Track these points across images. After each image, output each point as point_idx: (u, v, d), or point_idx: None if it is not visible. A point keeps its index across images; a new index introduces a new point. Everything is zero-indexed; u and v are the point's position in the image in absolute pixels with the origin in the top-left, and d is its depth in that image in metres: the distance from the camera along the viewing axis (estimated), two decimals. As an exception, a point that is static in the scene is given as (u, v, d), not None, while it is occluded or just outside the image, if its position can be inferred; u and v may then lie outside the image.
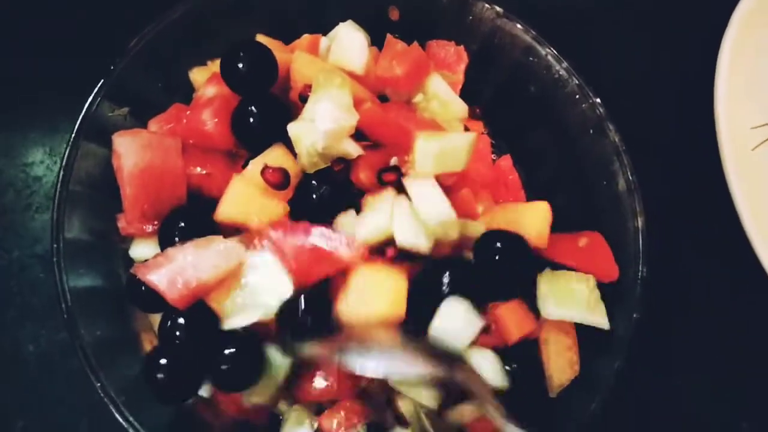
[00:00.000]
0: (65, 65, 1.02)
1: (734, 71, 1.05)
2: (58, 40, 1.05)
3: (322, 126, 0.76)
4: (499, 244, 0.79)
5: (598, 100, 0.88)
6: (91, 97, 0.79)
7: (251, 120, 0.79)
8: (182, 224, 0.76)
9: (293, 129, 0.78)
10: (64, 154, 0.77)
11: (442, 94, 0.89)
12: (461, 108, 0.91)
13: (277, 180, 0.77)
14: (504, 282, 0.81)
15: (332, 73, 0.79)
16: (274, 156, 0.79)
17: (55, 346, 0.93)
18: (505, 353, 0.80)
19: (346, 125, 0.77)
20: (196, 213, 0.78)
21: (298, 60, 0.83)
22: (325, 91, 0.78)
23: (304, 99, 0.80)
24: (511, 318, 0.79)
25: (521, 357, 0.80)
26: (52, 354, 0.92)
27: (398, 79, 0.84)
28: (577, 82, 0.89)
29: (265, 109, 0.79)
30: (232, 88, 0.81)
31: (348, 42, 0.86)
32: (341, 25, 0.89)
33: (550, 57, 0.90)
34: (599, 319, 0.81)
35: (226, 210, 0.77)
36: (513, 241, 0.80)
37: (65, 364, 0.92)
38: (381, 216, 0.78)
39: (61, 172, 0.76)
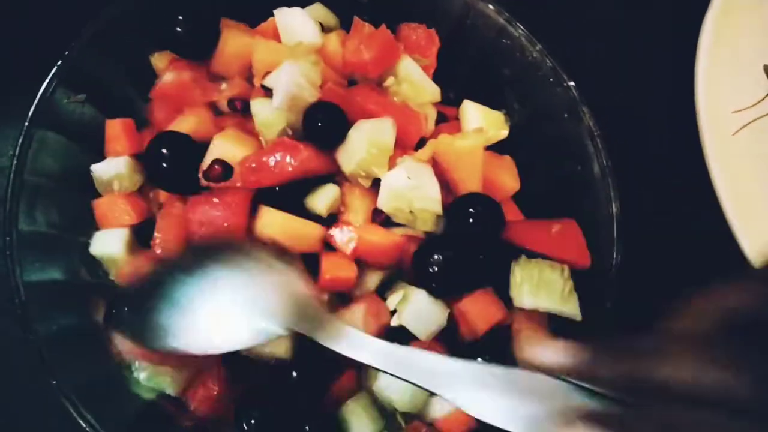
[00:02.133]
0: (26, 51, 0.98)
1: (715, 53, 1.03)
2: (11, 20, 1.01)
3: (284, 88, 0.75)
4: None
5: (572, 83, 0.86)
6: (44, 84, 0.76)
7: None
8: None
9: (259, 116, 0.77)
10: (17, 142, 0.74)
11: (413, 78, 0.87)
12: (433, 91, 0.89)
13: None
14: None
15: (306, 50, 0.79)
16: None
17: (13, 341, 0.89)
18: (477, 344, 0.79)
19: (307, 96, 0.76)
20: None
21: (258, 48, 0.81)
22: (294, 62, 0.77)
23: (266, 88, 0.78)
24: (476, 310, 0.78)
25: (493, 347, 0.79)
26: (11, 349, 0.89)
27: (366, 63, 0.82)
28: (550, 64, 0.87)
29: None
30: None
31: (297, 25, 0.84)
32: (284, 11, 0.86)
33: (523, 39, 0.88)
34: (572, 310, 0.79)
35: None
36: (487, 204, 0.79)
37: (28, 359, 0.89)
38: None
39: (14, 161, 0.73)
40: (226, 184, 0.75)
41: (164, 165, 0.77)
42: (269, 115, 0.78)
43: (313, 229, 0.77)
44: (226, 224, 0.75)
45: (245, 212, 0.76)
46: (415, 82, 0.85)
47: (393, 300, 0.77)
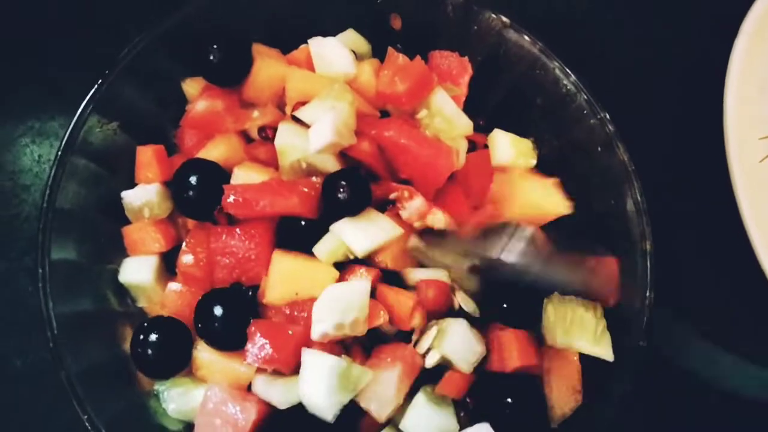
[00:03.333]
0: (56, 72, 0.98)
1: (744, 81, 1.02)
2: (52, 43, 1.01)
3: (323, 137, 0.74)
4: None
5: (607, 115, 0.85)
6: (78, 112, 0.75)
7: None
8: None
9: (280, 140, 0.77)
10: (51, 170, 0.73)
11: (446, 111, 0.86)
12: (466, 124, 0.88)
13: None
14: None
15: (343, 88, 0.78)
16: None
17: (44, 361, 0.90)
18: (505, 382, 0.78)
19: (343, 143, 0.75)
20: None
21: (293, 77, 0.80)
22: (332, 103, 0.76)
23: (296, 119, 0.77)
24: (515, 344, 0.77)
25: (522, 387, 0.78)
26: (38, 368, 0.90)
27: (400, 96, 0.81)
28: (585, 96, 0.85)
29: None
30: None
31: (332, 55, 0.84)
32: (319, 40, 0.85)
33: (557, 70, 0.87)
34: (604, 350, 0.78)
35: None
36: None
37: (52, 379, 0.88)
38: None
39: (47, 191, 0.73)
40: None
41: (190, 192, 0.77)
42: (288, 143, 0.77)
43: (327, 272, 0.76)
44: (247, 254, 0.75)
45: (267, 243, 0.76)
46: (447, 116, 0.84)
47: (426, 339, 0.76)
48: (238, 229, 0.76)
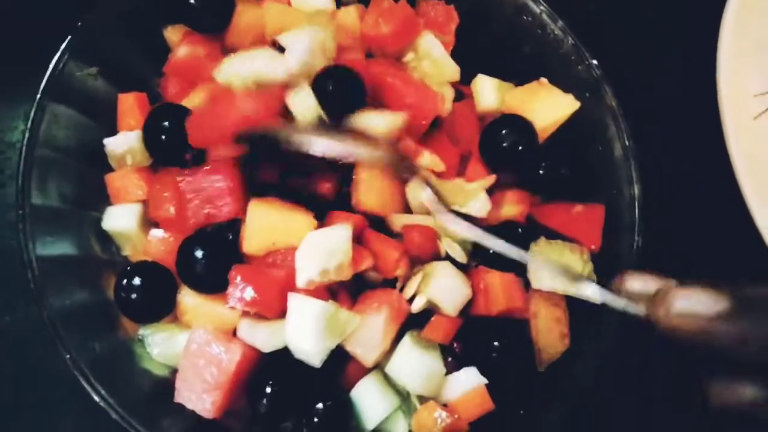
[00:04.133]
0: (40, 25, 0.97)
1: (738, 35, 1.00)
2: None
3: (296, 55, 0.74)
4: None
5: (595, 61, 0.84)
6: (56, 56, 0.74)
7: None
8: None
9: (222, 75, 0.77)
10: (30, 114, 0.73)
11: (434, 55, 0.85)
12: (453, 69, 0.87)
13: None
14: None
15: (326, 20, 0.78)
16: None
17: (31, 315, 0.89)
18: (492, 327, 0.78)
19: (319, 65, 0.75)
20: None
21: (270, 10, 0.80)
22: (314, 30, 0.76)
23: (277, 44, 0.77)
24: (500, 287, 0.76)
25: (509, 331, 0.78)
26: (28, 323, 0.89)
27: (385, 37, 0.80)
28: (572, 42, 0.85)
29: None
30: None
31: None
32: None
33: (544, 15, 0.86)
34: (591, 291, 0.78)
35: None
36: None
37: (41, 334, 0.88)
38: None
39: (26, 135, 0.72)
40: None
41: (161, 137, 0.76)
42: (229, 73, 0.76)
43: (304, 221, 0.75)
44: (217, 187, 0.74)
45: (235, 175, 0.75)
46: (436, 59, 0.83)
47: (412, 284, 0.76)
48: (207, 167, 0.76)
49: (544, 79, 0.87)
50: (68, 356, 0.66)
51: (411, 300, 0.77)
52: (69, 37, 0.75)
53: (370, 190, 0.78)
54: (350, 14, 0.83)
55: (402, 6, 0.83)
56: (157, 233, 0.78)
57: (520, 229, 0.83)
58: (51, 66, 0.74)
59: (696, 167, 1.03)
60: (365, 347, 0.73)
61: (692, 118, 1.03)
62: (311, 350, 0.69)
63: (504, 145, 0.82)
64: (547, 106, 0.85)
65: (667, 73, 1.08)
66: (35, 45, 0.96)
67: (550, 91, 0.85)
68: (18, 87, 0.98)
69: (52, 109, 0.75)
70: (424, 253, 0.79)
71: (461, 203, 0.80)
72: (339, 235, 0.72)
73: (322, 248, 0.72)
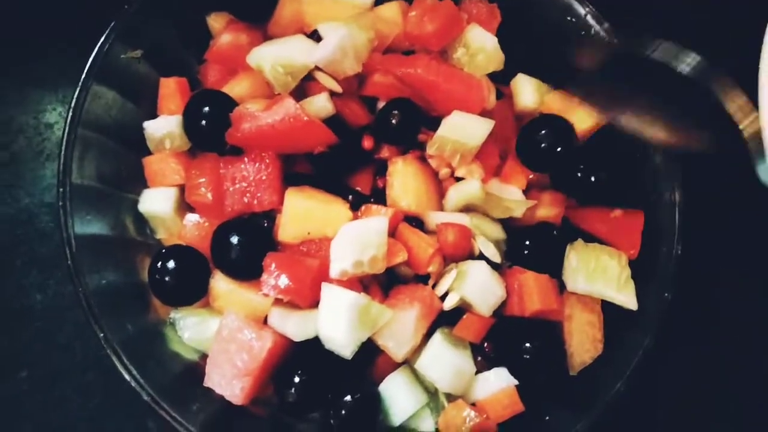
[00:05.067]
0: (81, 7, 0.98)
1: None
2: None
3: (324, 49, 0.75)
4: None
5: (642, 63, 0.82)
6: (103, 37, 0.75)
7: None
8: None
9: (253, 58, 0.77)
10: (74, 94, 0.73)
11: (488, 47, 0.83)
12: (501, 59, 0.85)
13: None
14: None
15: (368, 22, 0.78)
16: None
17: (63, 296, 0.90)
18: (524, 327, 0.76)
19: (347, 66, 0.76)
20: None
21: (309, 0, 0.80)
22: (351, 28, 0.75)
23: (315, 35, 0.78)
24: (535, 287, 0.75)
25: (541, 333, 0.76)
26: (59, 304, 0.90)
27: (429, 36, 0.79)
28: (617, 42, 0.83)
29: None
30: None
31: None
32: None
33: (589, 17, 0.84)
34: (628, 298, 0.76)
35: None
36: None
37: (72, 315, 0.89)
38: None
39: (70, 113, 0.73)
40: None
41: (201, 122, 0.76)
42: (259, 56, 0.77)
43: (340, 211, 0.75)
44: (258, 177, 0.75)
45: (276, 166, 0.75)
46: (489, 51, 0.82)
47: (445, 282, 0.75)
48: (247, 157, 0.76)
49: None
50: (102, 335, 0.66)
51: (443, 297, 0.76)
52: (115, 20, 0.76)
53: (406, 188, 0.77)
54: (392, 10, 0.82)
55: (446, 3, 0.82)
56: (192, 218, 0.78)
57: (555, 231, 0.82)
58: (97, 47, 0.75)
59: (740, 172, 1.00)
60: (396, 342, 0.72)
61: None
62: (343, 341, 0.68)
63: (542, 146, 0.81)
64: (585, 112, 0.83)
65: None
66: (72, 29, 0.98)
67: None
68: (56, 69, 0.99)
69: (95, 90, 0.75)
70: (459, 251, 0.78)
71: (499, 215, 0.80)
72: (375, 227, 0.72)
73: (358, 240, 0.71)
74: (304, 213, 0.74)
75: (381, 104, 0.80)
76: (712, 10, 1.04)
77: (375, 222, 0.73)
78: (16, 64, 0.99)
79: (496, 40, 0.83)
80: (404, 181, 0.78)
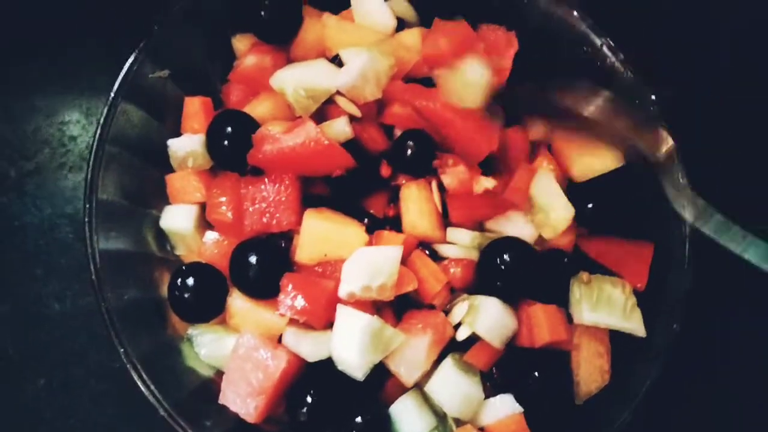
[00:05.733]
0: (107, 25, 1.01)
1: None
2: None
3: (347, 74, 0.76)
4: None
5: (653, 96, 0.84)
6: (132, 56, 0.77)
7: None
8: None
9: (276, 81, 0.79)
10: (102, 111, 0.75)
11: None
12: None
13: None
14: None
15: (389, 48, 0.80)
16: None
17: (80, 307, 0.92)
18: (532, 355, 0.78)
19: (368, 92, 0.77)
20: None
21: (330, 24, 0.82)
22: (373, 54, 0.77)
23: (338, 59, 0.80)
24: (544, 319, 0.76)
25: (549, 361, 0.77)
26: (76, 314, 0.92)
27: (443, 53, 0.80)
28: (632, 76, 0.85)
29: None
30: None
31: (372, 10, 0.85)
32: None
33: (605, 48, 0.86)
34: (635, 326, 0.78)
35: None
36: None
37: (88, 325, 0.91)
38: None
39: (98, 131, 0.75)
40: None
41: (223, 142, 0.78)
42: (282, 79, 0.79)
43: (356, 235, 0.76)
44: (277, 198, 0.76)
45: (296, 188, 0.77)
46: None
47: (458, 312, 0.76)
48: (267, 178, 0.78)
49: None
50: (122, 350, 0.68)
51: (456, 326, 0.77)
52: (145, 39, 0.78)
53: (422, 214, 0.79)
54: (413, 36, 0.84)
55: (462, 24, 0.83)
56: (211, 236, 0.80)
57: (566, 259, 0.83)
58: (126, 66, 0.77)
59: (752, 206, 1.01)
60: (407, 368, 0.73)
61: (751, 156, 1.02)
62: (355, 363, 0.70)
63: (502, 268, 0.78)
64: (592, 157, 0.85)
65: (727, 109, 1.06)
66: (101, 45, 1.01)
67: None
68: (83, 83, 1.02)
69: (123, 108, 0.77)
70: (467, 281, 0.80)
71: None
72: (389, 255, 0.73)
73: (370, 265, 0.73)
74: (321, 235, 0.76)
75: (398, 132, 0.82)
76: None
77: (390, 251, 0.74)
78: (46, 76, 1.01)
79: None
80: (419, 206, 0.80)
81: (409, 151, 0.78)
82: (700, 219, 0.71)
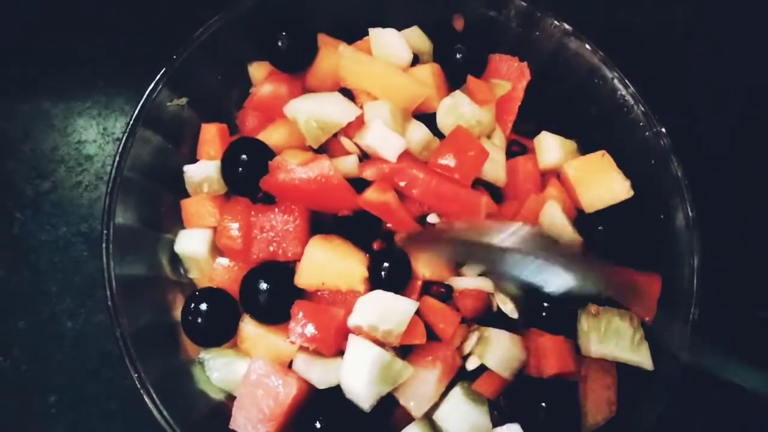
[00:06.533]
0: (125, 48, 1.03)
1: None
2: (122, 22, 1.06)
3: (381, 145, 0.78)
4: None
5: (664, 129, 0.85)
6: (152, 84, 0.79)
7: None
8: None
9: (290, 110, 0.80)
10: (122, 138, 0.77)
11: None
12: None
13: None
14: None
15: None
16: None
17: (93, 324, 0.94)
18: (540, 385, 0.78)
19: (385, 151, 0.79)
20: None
21: (344, 56, 0.83)
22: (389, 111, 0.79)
23: (346, 92, 0.83)
24: (553, 350, 0.77)
25: (556, 391, 0.78)
26: (89, 332, 0.93)
27: (455, 169, 0.80)
28: (642, 109, 0.86)
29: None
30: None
31: (389, 43, 0.87)
32: (379, 30, 0.88)
33: (616, 80, 0.87)
34: (643, 359, 0.78)
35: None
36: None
37: (100, 343, 0.93)
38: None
39: (117, 158, 0.76)
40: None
41: (238, 169, 0.79)
42: (295, 108, 0.80)
43: (355, 269, 0.76)
44: (285, 228, 0.77)
45: (305, 218, 0.78)
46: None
47: (468, 345, 0.77)
48: (277, 208, 0.79)
49: (605, 154, 0.87)
50: (136, 375, 0.69)
51: (465, 356, 0.78)
52: (165, 68, 0.79)
53: (428, 262, 0.79)
54: (425, 72, 0.86)
55: (473, 142, 0.82)
56: (222, 261, 0.81)
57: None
58: (146, 94, 0.78)
59: (761, 239, 1.02)
60: (417, 400, 0.74)
61: (761, 189, 1.02)
62: (363, 394, 0.71)
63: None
64: (602, 189, 0.86)
65: (739, 143, 1.07)
66: (117, 64, 1.03)
67: (609, 171, 0.86)
68: (100, 104, 1.04)
69: (141, 135, 0.79)
70: (478, 311, 0.80)
71: None
72: (403, 308, 0.74)
73: (383, 309, 0.74)
74: (320, 264, 0.76)
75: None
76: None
77: (406, 303, 0.74)
78: (64, 96, 1.03)
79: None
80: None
81: (384, 273, 0.76)
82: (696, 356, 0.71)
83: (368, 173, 0.79)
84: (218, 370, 0.77)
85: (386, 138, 0.78)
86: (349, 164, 0.79)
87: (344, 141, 0.81)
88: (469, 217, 0.80)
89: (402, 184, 0.79)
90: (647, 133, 0.86)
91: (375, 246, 0.79)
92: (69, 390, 0.91)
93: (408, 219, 0.79)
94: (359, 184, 0.79)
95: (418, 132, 0.82)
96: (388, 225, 0.80)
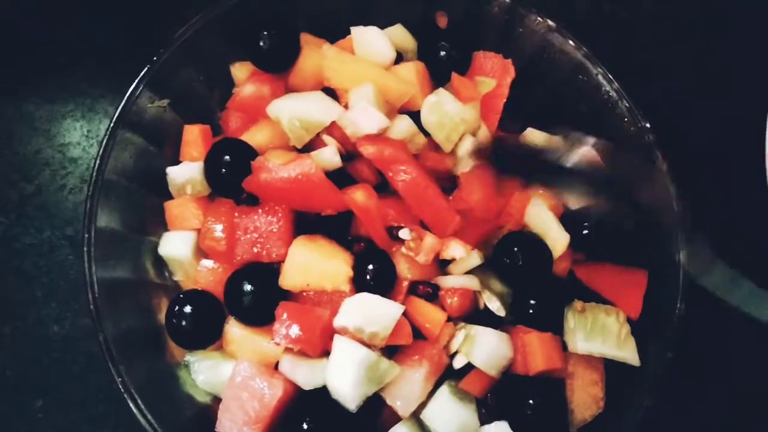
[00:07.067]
0: (109, 49, 1.02)
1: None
2: (103, 24, 1.05)
3: (363, 119, 0.77)
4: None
5: (648, 125, 0.85)
6: (132, 86, 0.78)
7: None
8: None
9: (272, 110, 0.80)
10: (102, 141, 0.76)
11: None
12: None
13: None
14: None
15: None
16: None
17: (79, 328, 0.93)
18: (527, 382, 0.78)
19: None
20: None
21: (328, 56, 0.82)
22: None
23: (329, 91, 0.82)
24: (539, 347, 0.77)
25: (543, 389, 0.78)
26: (75, 336, 0.93)
27: (474, 206, 0.81)
28: (627, 105, 0.86)
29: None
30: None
31: (372, 42, 0.86)
32: (361, 29, 0.87)
33: (600, 77, 0.87)
34: (629, 355, 0.78)
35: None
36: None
37: (86, 347, 0.92)
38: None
39: (97, 161, 0.76)
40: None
41: (221, 170, 0.79)
42: (278, 108, 0.80)
43: (341, 266, 0.76)
44: (269, 229, 0.77)
45: (289, 220, 0.77)
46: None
47: (454, 343, 0.77)
48: (260, 209, 0.78)
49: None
50: (120, 380, 0.69)
51: (452, 355, 0.78)
52: (145, 69, 0.79)
53: (412, 264, 0.79)
54: (408, 70, 0.85)
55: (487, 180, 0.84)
56: (207, 263, 0.81)
57: (560, 284, 0.84)
58: (126, 95, 0.78)
59: (744, 232, 1.02)
60: (404, 400, 0.74)
61: (746, 184, 1.02)
62: (349, 394, 0.70)
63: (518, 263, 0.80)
64: None
65: (723, 137, 1.07)
66: (100, 70, 1.02)
67: None
68: (84, 106, 1.03)
69: (123, 137, 0.78)
70: (464, 310, 0.80)
71: None
72: (389, 311, 0.74)
73: (369, 312, 0.73)
74: (304, 265, 0.75)
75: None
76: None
77: (392, 307, 0.74)
78: (48, 99, 1.02)
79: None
80: (410, 259, 0.79)
81: (368, 276, 0.76)
82: (726, 289, 0.71)
83: (369, 150, 0.77)
84: (204, 372, 0.77)
85: (368, 112, 0.78)
86: (327, 156, 0.78)
87: (326, 138, 0.80)
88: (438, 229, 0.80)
89: (391, 174, 0.78)
90: (632, 129, 0.86)
91: (355, 248, 0.78)
92: (56, 394, 0.90)
93: (380, 228, 0.78)
94: (342, 183, 0.78)
95: (403, 124, 0.82)
96: (357, 251, 0.80)
